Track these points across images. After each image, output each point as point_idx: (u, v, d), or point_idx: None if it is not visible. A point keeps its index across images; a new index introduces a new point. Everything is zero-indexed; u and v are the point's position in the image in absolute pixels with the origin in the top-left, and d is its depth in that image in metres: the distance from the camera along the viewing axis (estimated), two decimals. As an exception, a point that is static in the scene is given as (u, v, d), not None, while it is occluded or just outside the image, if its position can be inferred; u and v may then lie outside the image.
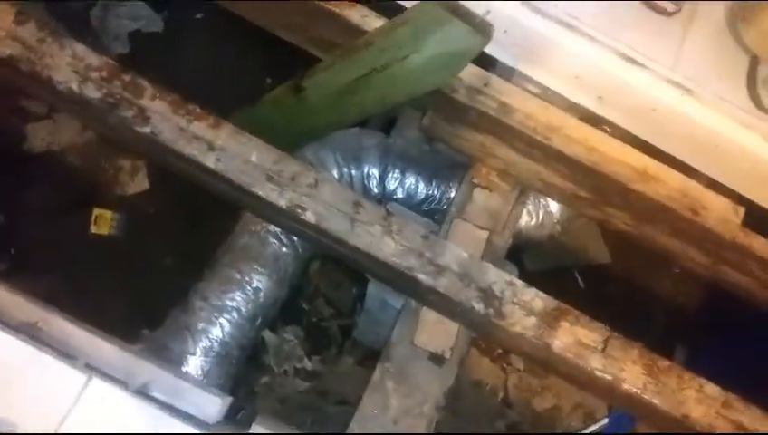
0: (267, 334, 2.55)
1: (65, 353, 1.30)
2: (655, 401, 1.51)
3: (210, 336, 1.89)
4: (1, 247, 2.56)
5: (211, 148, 1.52)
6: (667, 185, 1.79)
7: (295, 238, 1.96)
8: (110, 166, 2.75)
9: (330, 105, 1.85)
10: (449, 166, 2.04)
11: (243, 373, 2.12)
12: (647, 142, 1.90)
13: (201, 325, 1.89)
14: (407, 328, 1.72)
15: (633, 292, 2.87)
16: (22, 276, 2.40)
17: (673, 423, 1.54)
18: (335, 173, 1.99)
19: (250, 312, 1.93)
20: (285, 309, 2.17)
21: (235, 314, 1.91)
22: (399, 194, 2.06)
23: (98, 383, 1.27)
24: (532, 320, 1.53)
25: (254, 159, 1.53)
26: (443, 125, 1.88)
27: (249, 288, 1.93)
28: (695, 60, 1.84)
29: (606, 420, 2.71)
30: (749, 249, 1.81)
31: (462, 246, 1.61)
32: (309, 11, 1.81)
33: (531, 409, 2.72)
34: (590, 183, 1.84)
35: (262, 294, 1.94)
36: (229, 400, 1.38)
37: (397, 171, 2.04)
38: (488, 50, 1.73)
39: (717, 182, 1.91)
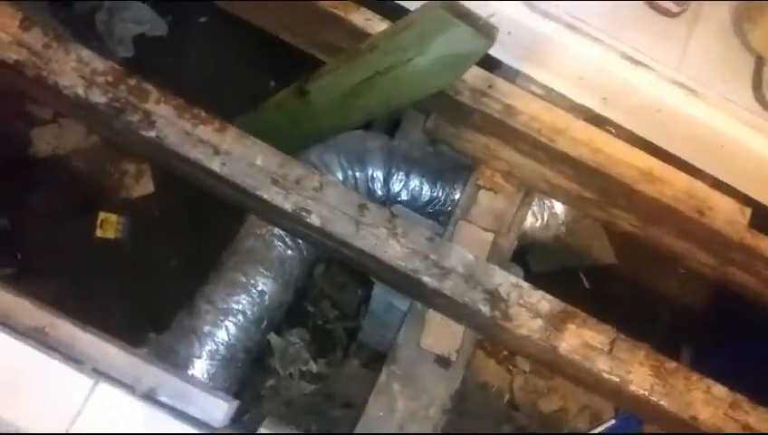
0: (273, 337, 2.55)
1: (72, 358, 1.31)
2: (662, 402, 1.51)
3: (216, 339, 1.89)
4: (7, 252, 2.57)
5: (216, 151, 1.53)
6: (673, 186, 1.78)
7: (300, 241, 1.96)
8: (116, 170, 2.76)
9: (334, 108, 1.85)
10: (454, 168, 2.04)
11: (248, 376, 2.12)
12: (652, 143, 1.89)
13: (207, 328, 1.89)
14: (412, 330, 1.72)
15: (639, 293, 2.86)
16: (28, 281, 2.41)
17: (681, 425, 1.53)
18: (340, 176, 1.99)
19: (255, 315, 1.93)
20: (291, 312, 2.17)
21: (240, 317, 1.91)
22: (404, 196, 2.05)
23: (105, 388, 1.28)
24: (539, 322, 1.52)
25: (258, 162, 1.54)
26: (447, 127, 1.88)
27: (254, 291, 1.93)
28: (699, 60, 1.84)
29: (613, 422, 2.70)
30: (756, 250, 1.80)
31: (467, 249, 1.60)
32: (313, 14, 1.81)
33: (537, 410, 2.72)
34: (596, 184, 1.84)
35: (267, 296, 1.94)
36: (235, 403, 1.38)
37: (401, 174, 2.03)
38: (492, 52, 1.73)
39: (723, 183, 1.90)
